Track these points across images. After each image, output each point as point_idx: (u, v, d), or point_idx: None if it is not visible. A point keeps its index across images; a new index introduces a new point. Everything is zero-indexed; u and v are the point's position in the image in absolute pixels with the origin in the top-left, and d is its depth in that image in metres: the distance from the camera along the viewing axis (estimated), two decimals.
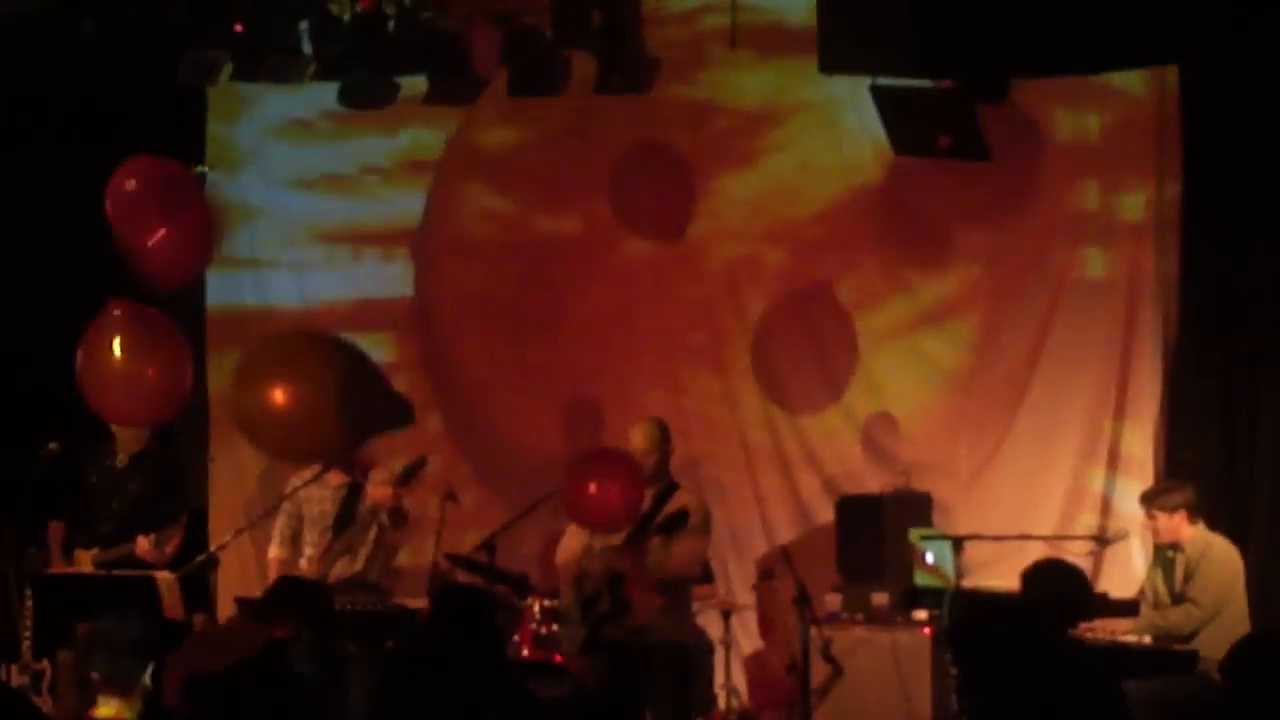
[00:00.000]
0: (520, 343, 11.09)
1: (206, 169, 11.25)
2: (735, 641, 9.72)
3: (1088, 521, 9.75)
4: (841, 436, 10.53)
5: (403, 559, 9.88)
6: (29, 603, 9.01)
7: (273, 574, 9.35)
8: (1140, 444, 9.77)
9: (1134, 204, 9.89)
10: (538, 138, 11.05)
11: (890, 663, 9.10)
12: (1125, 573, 9.42)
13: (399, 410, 9.99)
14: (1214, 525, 8.82)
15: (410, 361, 11.25)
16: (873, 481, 10.25)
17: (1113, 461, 9.84)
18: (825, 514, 10.24)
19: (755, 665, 10.22)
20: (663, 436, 9.12)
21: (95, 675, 6.18)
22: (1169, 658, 8.27)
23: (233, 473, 11.07)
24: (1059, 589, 6.94)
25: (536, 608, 8.85)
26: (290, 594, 7.50)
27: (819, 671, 9.04)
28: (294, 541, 9.59)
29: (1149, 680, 7.77)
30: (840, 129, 10.47)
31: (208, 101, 11.16)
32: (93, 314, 9.36)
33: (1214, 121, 9.54)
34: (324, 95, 10.72)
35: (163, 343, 9.41)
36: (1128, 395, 9.82)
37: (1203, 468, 9.40)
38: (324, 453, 9.50)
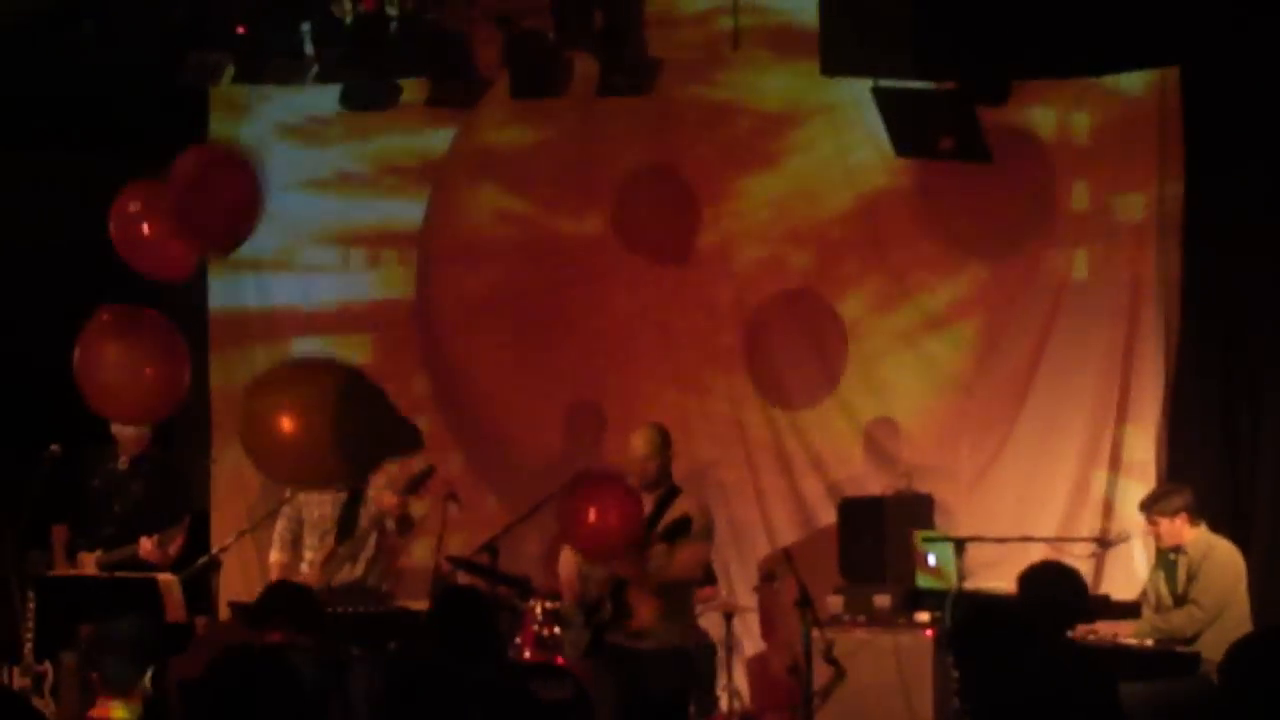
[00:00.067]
0: (523, 344, 11.08)
1: None
2: (737, 643, 9.74)
3: (1090, 523, 9.74)
4: (843, 437, 10.53)
5: (405, 561, 9.89)
6: (31, 605, 9.01)
7: (274, 578, 9.36)
8: (1142, 445, 9.77)
9: (1135, 205, 9.89)
10: (544, 139, 11.05)
11: (892, 665, 9.10)
12: (1127, 575, 9.42)
13: (407, 437, 9.98)
14: (1216, 526, 8.81)
15: (413, 363, 11.25)
16: (875, 483, 10.25)
17: (1115, 463, 9.83)
18: (827, 516, 10.24)
19: (757, 667, 10.22)
20: (663, 442, 9.07)
21: (95, 676, 6.18)
22: (1171, 660, 8.27)
23: (234, 475, 11.06)
24: (1055, 591, 6.94)
25: (538, 610, 8.85)
26: (282, 599, 7.51)
27: (821, 673, 9.02)
28: (294, 546, 9.59)
29: (1151, 683, 7.78)
30: (852, 133, 10.46)
31: (209, 103, 11.16)
32: (93, 315, 9.36)
33: (1215, 123, 9.54)
34: (326, 97, 10.72)
35: (159, 341, 9.40)
36: (1129, 396, 9.81)
37: (1205, 469, 9.40)
38: (331, 482, 9.53)
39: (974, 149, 9.51)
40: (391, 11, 10.09)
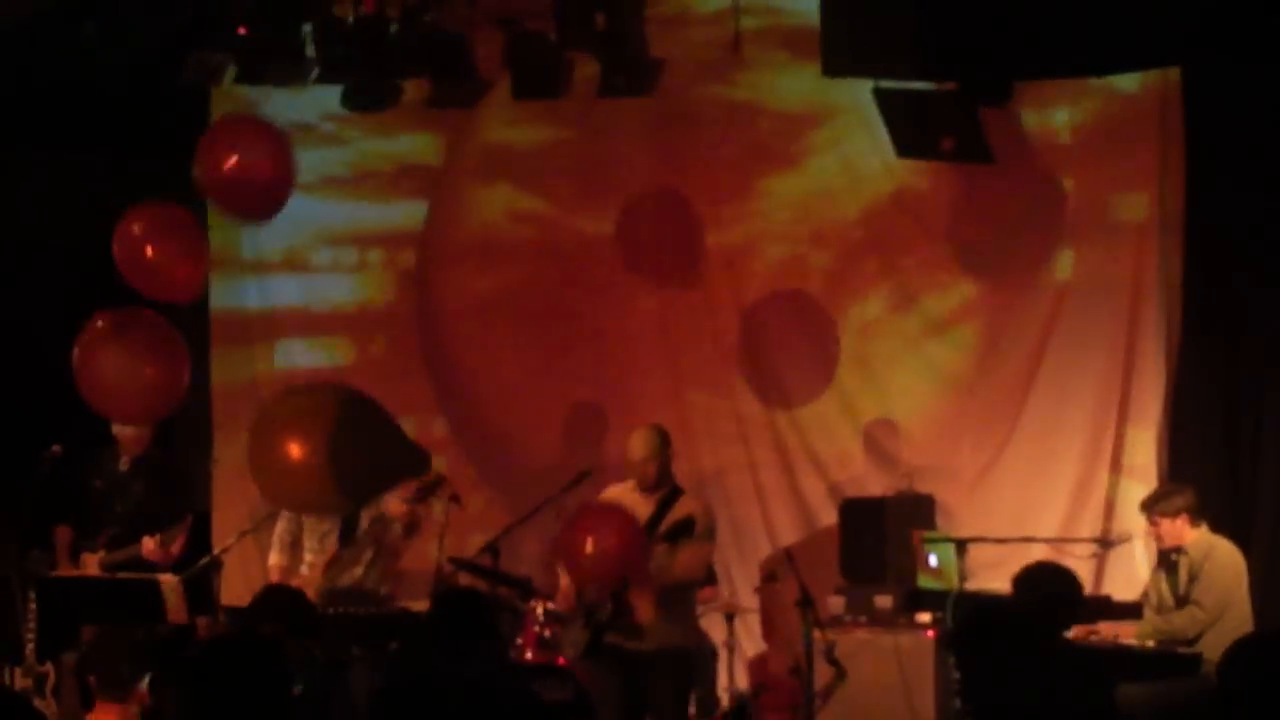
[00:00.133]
0: (526, 345, 11.08)
1: None
2: (739, 644, 9.72)
3: (1091, 524, 9.74)
4: (845, 438, 10.52)
5: (406, 562, 9.88)
6: (32, 605, 9.01)
7: (273, 581, 9.36)
8: (1144, 446, 9.77)
9: (1136, 206, 9.89)
10: (547, 141, 11.05)
11: (893, 665, 9.09)
12: (1129, 575, 9.42)
13: (413, 461, 9.93)
14: (1217, 527, 8.80)
15: (414, 364, 11.25)
16: (876, 484, 10.25)
17: (1116, 463, 9.83)
18: (829, 516, 10.24)
19: (758, 667, 10.22)
20: (662, 443, 9.03)
21: (92, 680, 6.18)
22: (1173, 661, 8.27)
23: (235, 475, 11.04)
24: (1050, 591, 6.94)
25: (540, 611, 8.84)
26: (276, 603, 7.50)
27: (822, 674, 9.01)
28: (293, 548, 9.59)
29: (1153, 683, 7.78)
30: (859, 137, 10.46)
31: (211, 104, 11.15)
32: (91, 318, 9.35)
33: (1216, 123, 9.55)
34: (327, 98, 10.72)
35: (158, 341, 9.38)
36: (1131, 397, 9.81)
37: (1206, 469, 9.41)
38: (338, 514, 9.51)
39: (975, 149, 9.52)
40: (392, 13, 10.10)
